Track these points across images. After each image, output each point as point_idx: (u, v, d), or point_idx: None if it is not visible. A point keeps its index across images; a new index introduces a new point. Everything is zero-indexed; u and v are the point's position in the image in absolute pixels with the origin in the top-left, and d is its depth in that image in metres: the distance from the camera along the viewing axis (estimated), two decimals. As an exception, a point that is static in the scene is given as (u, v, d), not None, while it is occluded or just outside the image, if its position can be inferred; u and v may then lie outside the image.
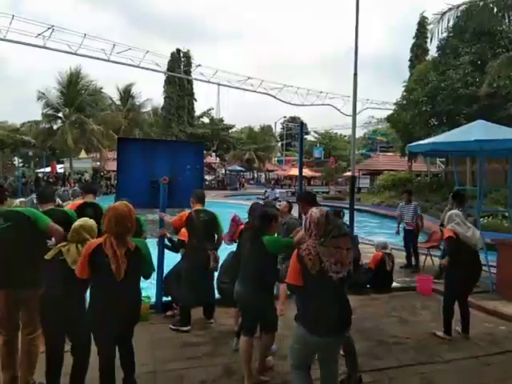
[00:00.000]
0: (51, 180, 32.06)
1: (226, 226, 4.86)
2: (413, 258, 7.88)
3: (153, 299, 5.23)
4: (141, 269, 3.03)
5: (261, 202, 6.42)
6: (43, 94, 30.10)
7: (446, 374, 3.77)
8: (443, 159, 26.65)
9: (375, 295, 6.16)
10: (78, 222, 3.18)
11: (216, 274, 5.12)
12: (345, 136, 55.63)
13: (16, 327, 3.34)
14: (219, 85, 25.92)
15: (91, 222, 3.23)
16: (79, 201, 4.78)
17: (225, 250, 5.07)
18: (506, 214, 11.91)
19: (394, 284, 6.72)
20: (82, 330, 3.04)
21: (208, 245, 4.74)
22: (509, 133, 6.52)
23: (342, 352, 3.92)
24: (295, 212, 5.32)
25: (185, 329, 4.60)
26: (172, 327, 4.64)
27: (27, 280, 3.18)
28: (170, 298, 5.25)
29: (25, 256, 3.20)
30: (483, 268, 6.50)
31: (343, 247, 2.73)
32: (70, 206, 4.81)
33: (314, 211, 2.84)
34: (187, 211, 4.85)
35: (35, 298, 3.10)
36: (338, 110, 29.64)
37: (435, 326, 4.93)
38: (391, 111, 24.39)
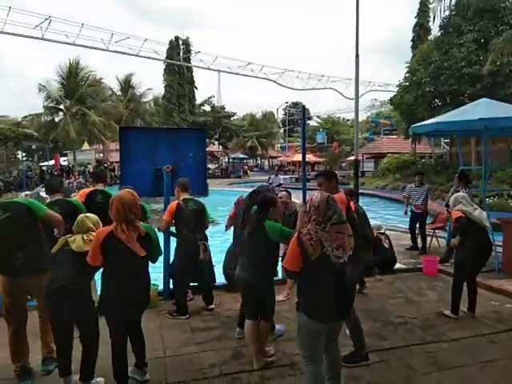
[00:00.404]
0: (55, 173, 32.17)
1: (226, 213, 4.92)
2: (419, 241, 7.89)
3: (160, 286, 5.29)
4: (150, 254, 3.11)
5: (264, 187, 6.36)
6: (44, 86, 30.02)
7: (452, 352, 3.80)
8: (447, 140, 26.45)
9: (380, 276, 6.19)
10: (82, 214, 3.29)
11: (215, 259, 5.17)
12: (348, 120, 55.31)
13: (24, 316, 3.40)
14: (219, 71, 25.68)
15: (95, 216, 3.32)
16: (91, 188, 4.87)
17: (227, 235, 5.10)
18: (512, 194, 11.89)
19: (400, 265, 6.75)
20: (90, 317, 3.10)
21: (197, 235, 4.75)
22: (513, 110, 6.44)
23: (348, 332, 3.99)
24: (297, 199, 5.31)
25: (183, 318, 4.64)
26: (169, 316, 4.67)
27: (31, 266, 3.23)
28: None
29: (26, 244, 3.26)
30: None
31: (345, 233, 2.70)
32: (80, 193, 4.91)
33: (315, 195, 2.78)
34: (174, 203, 4.78)
35: (41, 283, 3.16)
36: (341, 94, 29.37)
37: (442, 306, 4.96)
38: (394, 93, 24.08)
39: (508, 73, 16.41)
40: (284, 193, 5.06)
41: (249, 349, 3.58)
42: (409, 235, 8.20)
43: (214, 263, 5.54)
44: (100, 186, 4.94)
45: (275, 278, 4.47)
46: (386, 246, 6.54)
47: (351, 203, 5.20)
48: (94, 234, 3.12)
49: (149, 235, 3.09)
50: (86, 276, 3.14)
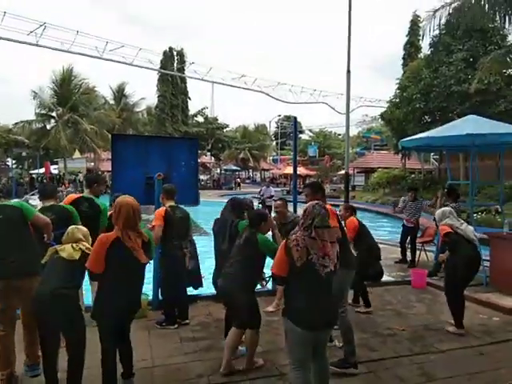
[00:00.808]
0: (45, 181, 31.87)
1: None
2: (408, 254, 7.95)
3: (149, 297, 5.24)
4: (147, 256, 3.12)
5: (255, 200, 6.34)
6: (36, 93, 29.90)
7: (440, 363, 3.82)
8: (437, 157, 26.86)
9: (370, 289, 6.19)
10: (73, 226, 3.33)
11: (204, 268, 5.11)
12: (339, 134, 55.91)
13: (12, 320, 3.35)
14: (213, 83, 25.85)
15: (85, 229, 3.34)
16: (77, 195, 4.78)
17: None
18: (499, 210, 12.06)
19: (389, 278, 6.78)
20: (78, 324, 3.04)
21: (183, 243, 4.72)
22: (500, 127, 6.59)
23: (337, 343, 3.99)
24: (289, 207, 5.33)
25: (172, 327, 4.59)
26: (158, 326, 4.62)
27: (25, 269, 3.21)
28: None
29: (19, 246, 3.25)
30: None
31: (327, 239, 2.73)
32: (67, 199, 4.79)
33: (308, 204, 2.88)
34: (162, 209, 4.70)
35: (32, 286, 3.12)
36: (332, 108, 29.76)
37: (430, 318, 5.02)
38: (385, 109, 24.46)
39: (495, 91, 16.81)
40: (279, 202, 5.04)
41: (224, 352, 3.52)
42: (397, 248, 8.27)
43: (203, 274, 5.51)
44: (87, 193, 4.79)
45: (264, 289, 4.48)
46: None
47: (353, 218, 5.28)
48: (84, 243, 3.15)
49: (150, 240, 3.12)
50: (75, 283, 3.11)
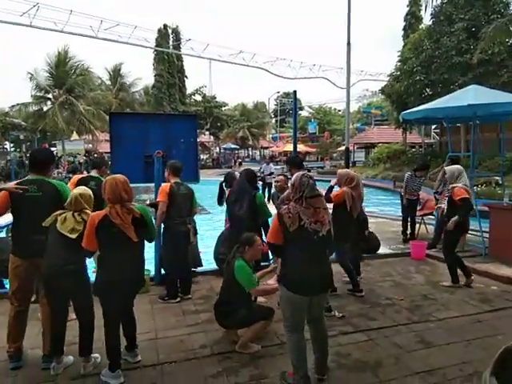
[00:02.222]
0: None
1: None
2: (409, 227, 7.97)
3: (152, 272, 5.30)
4: (145, 235, 3.12)
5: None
6: (32, 75, 29.49)
7: (438, 331, 3.89)
8: (438, 130, 26.64)
9: (369, 261, 6.28)
10: (76, 191, 3.24)
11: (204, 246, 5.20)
12: (339, 110, 55.29)
13: (29, 297, 3.40)
14: (210, 60, 25.44)
15: (89, 191, 3.30)
16: (84, 175, 4.94)
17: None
18: (500, 182, 12.05)
19: (388, 250, 6.85)
20: (88, 293, 3.16)
21: (187, 218, 4.75)
22: (502, 97, 6.50)
23: (337, 314, 4.08)
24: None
25: (174, 301, 4.67)
26: (160, 301, 4.70)
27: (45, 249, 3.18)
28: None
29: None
30: (476, 234, 6.67)
31: (320, 207, 2.82)
32: (72, 180, 4.92)
33: (295, 175, 2.95)
34: (166, 185, 4.71)
35: None
36: (332, 83, 29.34)
37: (429, 288, 5.09)
38: (386, 83, 24.11)
39: (499, 62, 16.51)
40: (281, 177, 5.10)
41: (246, 333, 3.52)
42: (396, 222, 8.27)
43: (200, 250, 5.58)
44: (94, 173, 4.97)
45: (262, 264, 4.55)
46: (371, 230, 6.66)
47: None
48: (87, 212, 3.11)
49: (143, 217, 3.05)
50: (81, 256, 3.13)
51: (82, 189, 3.29)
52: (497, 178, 12.74)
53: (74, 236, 3.01)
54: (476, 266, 5.81)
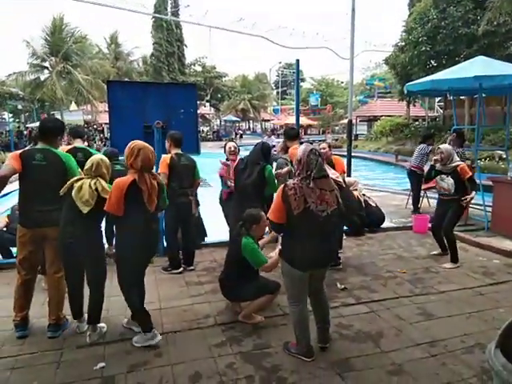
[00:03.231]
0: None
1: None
2: (410, 201, 7.95)
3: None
4: (160, 202, 3.20)
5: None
6: (28, 42, 28.81)
7: (440, 303, 3.92)
8: (442, 104, 26.21)
9: (371, 235, 6.28)
10: (97, 156, 3.27)
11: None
12: (342, 82, 54.27)
13: (36, 266, 3.41)
14: (210, 27, 24.73)
15: (108, 162, 3.32)
16: (68, 146, 4.46)
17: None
18: (504, 156, 11.94)
19: (390, 224, 6.84)
20: (102, 258, 3.25)
21: (189, 190, 4.70)
22: (509, 68, 6.32)
23: (339, 285, 4.11)
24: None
25: (176, 271, 4.69)
26: (164, 272, 4.72)
27: (56, 219, 3.18)
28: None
29: (53, 196, 3.18)
30: (479, 207, 6.65)
31: (327, 189, 2.71)
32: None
33: (300, 149, 2.77)
34: (167, 156, 4.67)
35: (57, 237, 3.19)
36: (335, 53, 28.67)
37: (430, 261, 5.10)
38: (390, 53, 23.51)
39: (504, 33, 16.06)
40: (325, 145, 5.00)
41: (251, 305, 3.53)
42: (399, 196, 8.21)
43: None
44: (78, 143, 4.60)
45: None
46: (373, 204, 6.62)
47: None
48: (101, 182, 3.11)
49: (162, 185, 3.19)
50: (96, 223, 3.21)
51: (101, 156, 3.31)
52: (500, 152, 12.63)
53: (85, 210, 3.02)
54: (478, 239, 5.82)
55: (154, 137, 5.11)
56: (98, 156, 3.28)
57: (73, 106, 33.54)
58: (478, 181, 6.67)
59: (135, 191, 2.94)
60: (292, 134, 4.73)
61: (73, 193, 3.04)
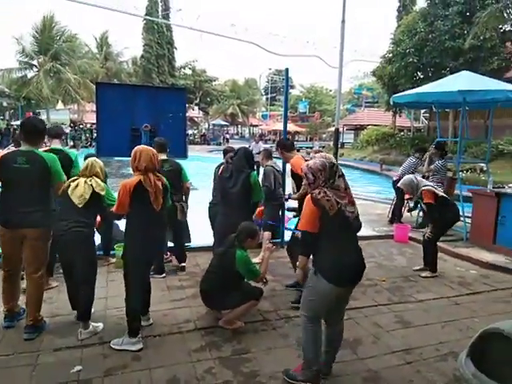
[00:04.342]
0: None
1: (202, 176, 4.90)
2: (392, 209, 8.06)
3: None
4: (165, 201, 3.32)
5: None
6: (17, 39, 28.45)
7: (417, 312, 4.00)
8: (427, 115, 26.71)
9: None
10: (91, 158, 3.54)
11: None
12: (330, 90, 54.87)
13: (18, 263, 3.40)
14: (202, 32, 24.69)
15: (101, 162, 3.54)
16: (45, 148, 4.15)
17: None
18: (484, 169, 12.24)
19: (373, 232, 6.94)
20: (93, 253, 3.38)
21: (174, 196, 4.59)
22: (492, 84, 6.52)
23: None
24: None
25: (159, 277, 4.65)
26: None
27: (35, 220, 3.21)
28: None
29: (36, 197, 3.24)
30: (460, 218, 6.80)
31: (347, 187, 2.67)
32: None
33: (316, 160, 2.69)
34: None
35: (41, 237, 3.26)
36: (324, 62, 28.97)
37: (410, 270, 5.19)
38: (377, 65, 23.92)
39: (490, 48, 16.49)
40: (264, 151, 5.19)
41: (233, 312, 3.54)
42: (381, 205, 8.32)
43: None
44: (56, 144, 4.35)
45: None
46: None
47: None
48: (96, 180, 3.36)
49: (166, 185, 3.27)
50: (90, 220, 3.37)
51: (94, 158, 3.61)
52: (482, 164, 12.94)
53: (80, 205, 3.22)
54: (457, 250, 5.95)
55: (142, 140, 5.10)
56: (92, 157, 3.53)
57: (59, 105, 33.16)
58: (458, 192, 6.89)
59: (141, 192, 3.05)
60: (289, 145, 4.65)
61: (69, 190, 3.26)
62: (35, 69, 29.82)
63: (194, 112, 47.53)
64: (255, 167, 4.79)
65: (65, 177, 3.45)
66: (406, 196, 8.32)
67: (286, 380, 2.79)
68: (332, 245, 2.61)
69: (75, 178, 3.39)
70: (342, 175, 2.69)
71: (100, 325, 3.45)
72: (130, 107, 5.33)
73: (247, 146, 17.03)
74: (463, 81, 6.46)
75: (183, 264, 4.99)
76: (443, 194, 5.04)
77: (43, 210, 3.26)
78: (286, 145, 4.64)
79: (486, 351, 1.99)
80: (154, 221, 3.15)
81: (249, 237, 3.55)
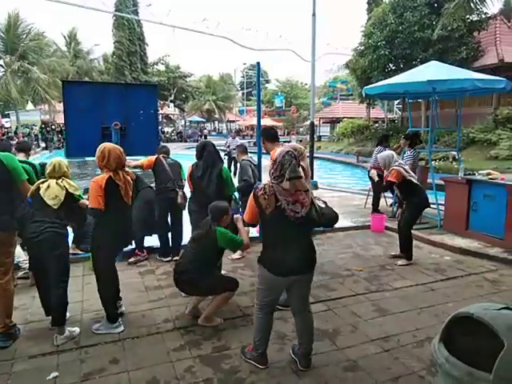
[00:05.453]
0: (-3, 135, 29.97)
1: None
2: (369, 201, 8.17)
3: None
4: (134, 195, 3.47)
5: (221, 152, 6.32)
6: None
7: (394, 300, 4.07)
8: (400, 106, 27.19)
9: (331, 234, 6.43)
10: (56, 158, 3.51)
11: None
12: (306, 84, 55.11)
13: None
14: (173, 27, 24.34)
15: (66, 161, 3.54)
16: None
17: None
18: (456, 157, 12.54)
19: (350, 223, 7.02)
20: (63, 260, 3.30)
21: (176, 186, 4.99)
22: (460, 73, 6.67)
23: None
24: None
25: (165, 259, 5.13)
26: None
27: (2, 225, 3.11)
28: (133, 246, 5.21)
29: (6, 202, 3.17)
30: (433, 206, 6.95)
31: (302, 189, 2.65)
32: None
33: (277, 151, 2.75)
34: (154, 156, 5.01)
35: (6, 241, 3.17)
36: (299, 56, 29.07)
37: (386, 259, 5.28)
38: (350, 58, 24.14)
39: (458, 38, 16.88)
40: (240, 146, 5.30)
41: (210, 306, 3.55)
42: (358, 196, 8.41)
43: None
44: (21, 157, 4.44)
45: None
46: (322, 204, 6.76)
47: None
48: (68, 181, 3.37)
49: (138, 178, 3.47)
50: (63, 222, 3.35)
51: (59, 158, 3.57)
52: (454, 152, 13.25)
53: (55, 206, 3.23)
54: (431, 237, 6.08)
55: (112, 139, 5.00)
56: (57, 158, 3.51)
57: (29, 106, 32.21)
58: (431, 180, 7.04)
59: (113, 187, 3.18)
60: (272, 135, 4.32)
61: (41, 191, 3.25)
62: (2, 69, 28.77)
63: (169, 109, 46.99)
64: (232, 161, 4.81)
65: (26, 175, 3.35)
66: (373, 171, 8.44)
67: (240, 354, 3.06)
68: (269, 236, 2.78)
69: (44, 180, 3.37)
70: (298, 177, 2.64)
71: (76, 329, 3.38)
72: (100, 105, 5.23)
73: (225, 141, 17.00)
74: (432, 71, 6.58)
75: (177, 258, 4.88)
76: (412, 179, 5.04)
77: (7, 213, 3.14)
78: (269, 134, 4.40)
79: (457, 335, 2.04)
80: (125, 213, 3.34)
81: (223, 214, 3.58)
